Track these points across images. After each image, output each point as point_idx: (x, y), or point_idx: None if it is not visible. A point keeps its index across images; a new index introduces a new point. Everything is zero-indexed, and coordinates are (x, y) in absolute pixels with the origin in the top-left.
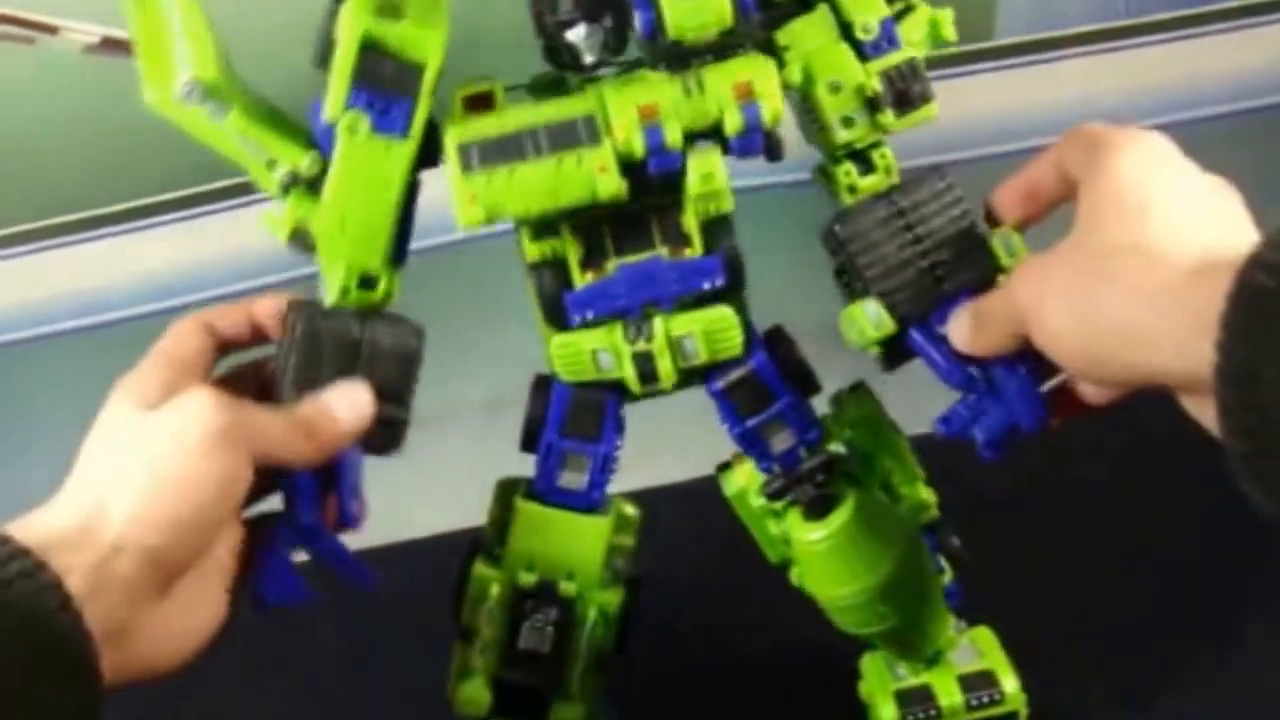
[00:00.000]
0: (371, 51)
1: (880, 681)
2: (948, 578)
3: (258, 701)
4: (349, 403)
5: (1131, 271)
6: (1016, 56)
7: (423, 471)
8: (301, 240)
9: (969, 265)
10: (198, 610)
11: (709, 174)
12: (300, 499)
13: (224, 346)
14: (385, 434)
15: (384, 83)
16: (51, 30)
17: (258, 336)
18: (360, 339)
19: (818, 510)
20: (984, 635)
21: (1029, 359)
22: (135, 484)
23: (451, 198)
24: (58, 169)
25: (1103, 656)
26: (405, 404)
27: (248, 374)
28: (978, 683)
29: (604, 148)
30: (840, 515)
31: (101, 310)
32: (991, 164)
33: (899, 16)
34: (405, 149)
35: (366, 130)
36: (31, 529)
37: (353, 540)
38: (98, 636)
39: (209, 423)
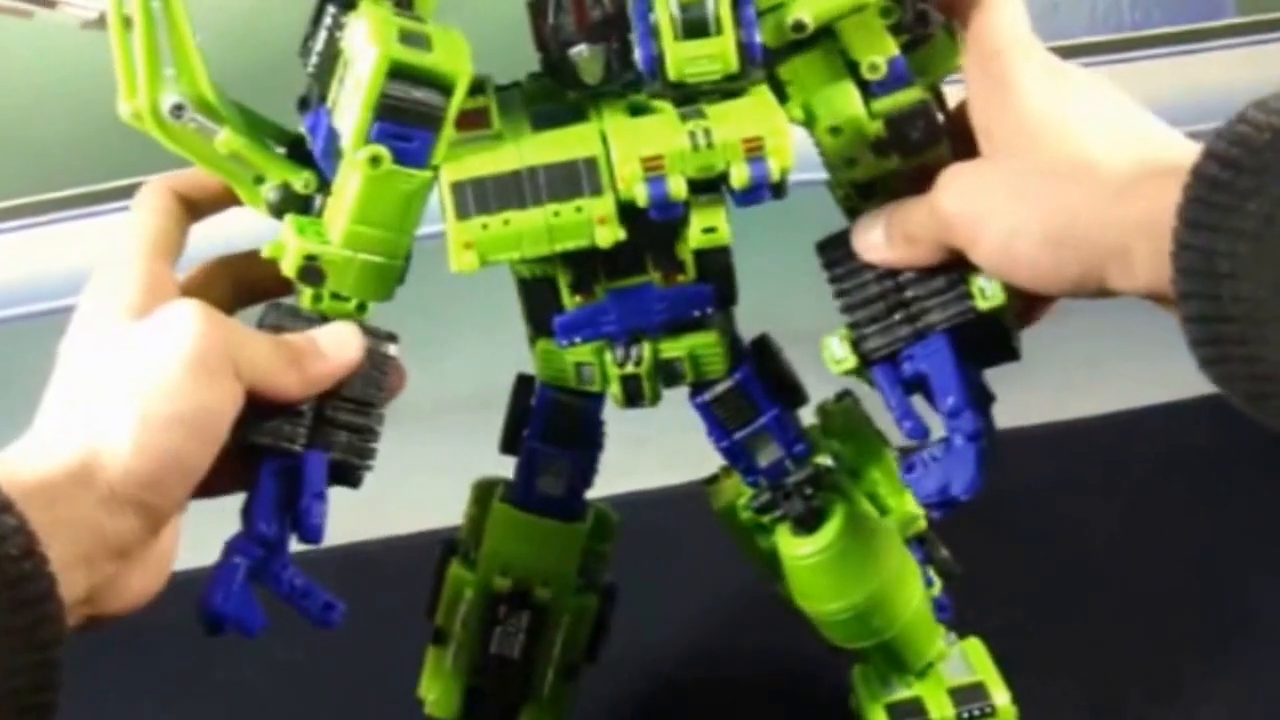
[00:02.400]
0: (396, 80)
1: (871, 694)
2: (937, 590)
3: (232, 699)
4: (335, 340)
5: (1083, 180)
6: None
7: (408, 468)
8: (311, 274)
9: (944, 306)
10: (167, 547)
11: (713, 228)
12: (259, 505)
13: (197, 213)
14: (345, 471)
15: (408, 116)
16: (49, 4)
17: (231, 196)
18: None
19: (807, 524)
20: (974, 647)
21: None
22: (126, 429)
23: (447, 240)
24: (54, 144)
25: (1093, 670)
26: (369, 442)
27: (217, 273)
28: (969, 696)
29: (605, 199)
30: (830, 529)
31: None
32: None
33: (911, 47)
34: (424, 179)
35: (389, 165)
36: (17, 472)
37: (335, 533)
38: (82, 593)
39: (198, 347)
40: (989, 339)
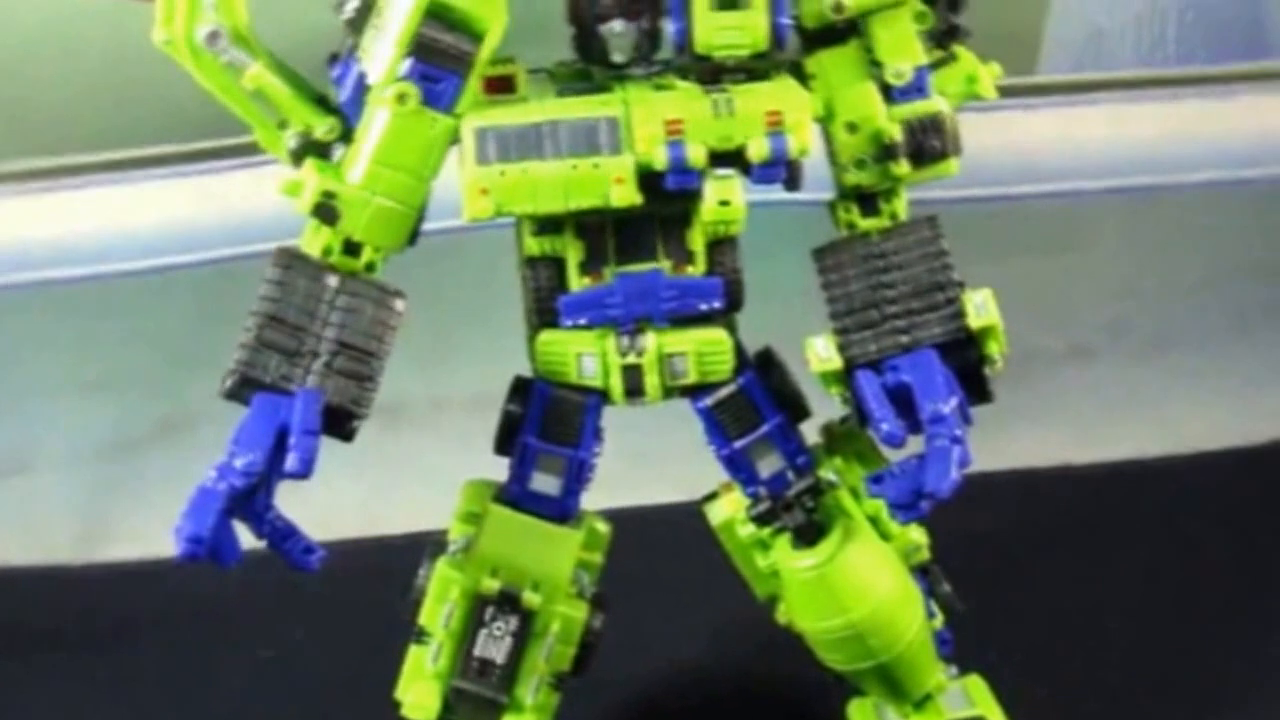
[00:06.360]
0: (432, 20)
1: None
2: (939, 623)
3: (210, 693)
4: None
5: None
6: (1053, 95)
7: (403, 468)
8: (326, 212)
9: (935, 321)
10: None
11: (727, 201)
12: (247, 435)
13: None
14: (340, 419)
15: (440, 57)
16: None
17: None
18: (331, 302)
19: (807, 537)
20: (976, 684)
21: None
22: None
23: (461, 186)
24: (60, 112)
25: (1097, 710)
26: (367, 390)
27: None
28: None
29: (624, 158)
30: (831, 542)
31: (86, 262)
32: (1012, 204)
33: (939, 65)
34: (447, 124)
35: (416, 103)
36: None
37: (324, 531)
38: None
39: None
40: (966, 378)
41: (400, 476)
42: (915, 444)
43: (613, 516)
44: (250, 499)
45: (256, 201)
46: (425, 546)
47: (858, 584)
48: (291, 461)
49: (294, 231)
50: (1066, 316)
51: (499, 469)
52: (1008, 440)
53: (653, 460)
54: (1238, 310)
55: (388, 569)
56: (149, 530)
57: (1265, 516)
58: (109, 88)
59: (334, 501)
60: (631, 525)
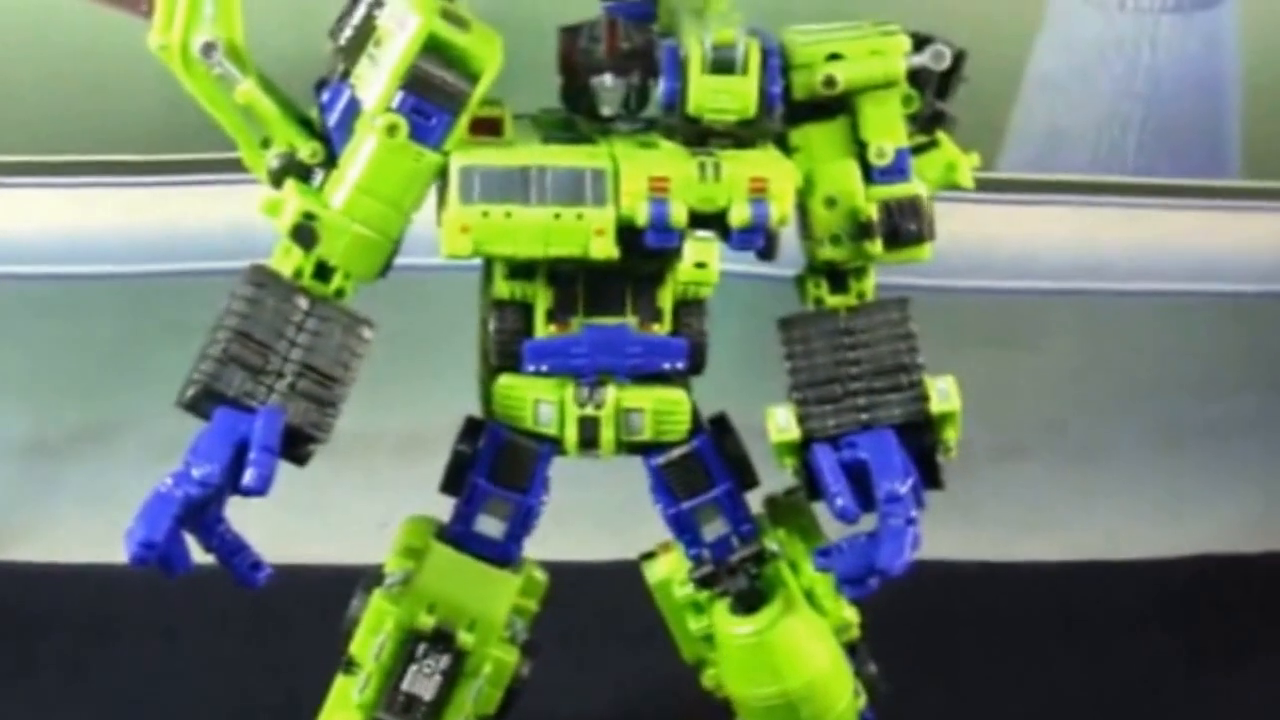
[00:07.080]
0: (430, 54)
1: None
2: (861, 703)
3: (104, 701)
4: None
5: None
6: (1010, 191)
7: (316, 502)
8: (305, 234)
9: (897, 403)
10: None
11: (704, 264)
12: (205, 446)
13: None
14: (297, 441)
15: (433, 92)
16: None
17: None
18: (299, 324)
19: (748, 603)
20: None
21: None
22: None
23: (441, 222)
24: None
25: None
26: (328, 416)
27: None
28: None
29: (607, 211)
30: (772, 611)
31: (14, 261)
32: (960, 297)
33: (920, 149)
34: (433, 161)
35: (404, 136)
36: None
37: None
38: None
39: None
40: (919, 462)
41: (315, 510)
42: (864, 523)
43: (545, 568)
44: (202, 511)
45: (202, 219)
46: (341, 579)
47: (795, 654)
48: (249, 477)
49: (240, 252)
50: (1004, 413)
51: (422, 508)
52: (934, 531)
53: (586, 516)
54: (1174, 423)
55: (302, 597)
56: (56, 534)
57: (1184, 629)
58: (64, 90)
59: (250, 529)
60: (562, 578)
